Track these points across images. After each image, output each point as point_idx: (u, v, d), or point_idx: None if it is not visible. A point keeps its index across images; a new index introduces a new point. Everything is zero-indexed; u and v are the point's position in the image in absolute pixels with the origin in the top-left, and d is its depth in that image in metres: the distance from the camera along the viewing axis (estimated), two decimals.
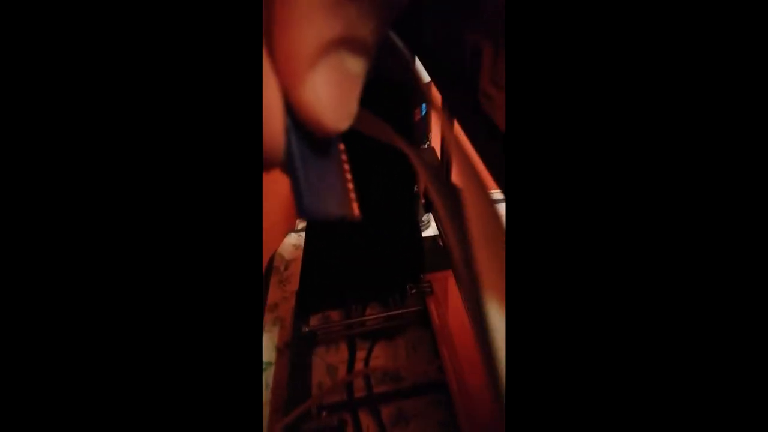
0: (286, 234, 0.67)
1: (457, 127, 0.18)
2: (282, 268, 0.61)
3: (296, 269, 0.56)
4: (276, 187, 0.82)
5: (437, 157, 0.50)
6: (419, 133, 0.48)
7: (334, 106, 0.10)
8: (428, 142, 0.50)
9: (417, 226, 0.50)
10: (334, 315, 0.51)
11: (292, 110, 0.11)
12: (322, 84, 0.10)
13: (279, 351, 0.50)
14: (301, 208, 0.12)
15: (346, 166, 0.14)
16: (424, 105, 0.46)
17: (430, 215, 0.61)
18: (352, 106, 0.11)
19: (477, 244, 0.13)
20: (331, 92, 0.10)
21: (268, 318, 0.54)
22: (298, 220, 0.70)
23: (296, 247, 0.64)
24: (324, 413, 0.41)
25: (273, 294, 0.57)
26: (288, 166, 0.11)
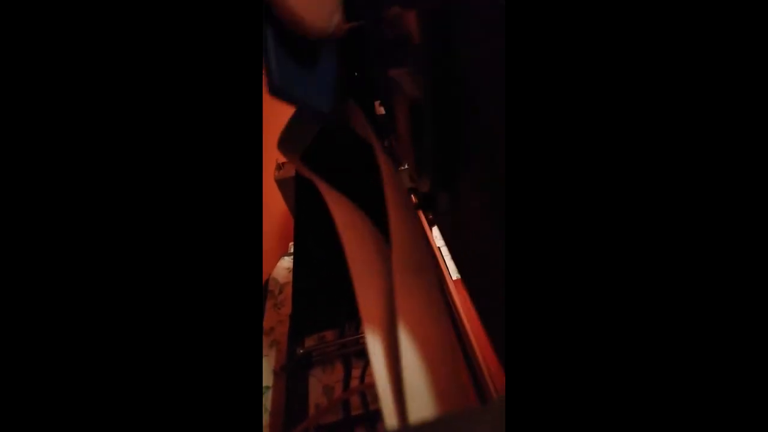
0: (279, 258, 0.69)
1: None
2: (277, 291, 0.63)
3: (291, 292, 0.57)
4: (269, 211, 0.84)
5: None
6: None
7: (312, 7, 0.13)
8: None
9: None
10: (329, 335, 0.52)
11: (274, 9, 0.14)
12: None
13: (276, 374, 0.51)
14: (270, 86, 0.15)
15: (341, 68, 0.18)
16: None
17: None
18: (331, 10, 0.14)
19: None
20: None
21: (264, 342, 0.55)
22: (290, 244, 0.71)
23: (290, 270, 0.65)
24: None
25: (269, 318, 0.59)
26: (264, 52, 0.14)
